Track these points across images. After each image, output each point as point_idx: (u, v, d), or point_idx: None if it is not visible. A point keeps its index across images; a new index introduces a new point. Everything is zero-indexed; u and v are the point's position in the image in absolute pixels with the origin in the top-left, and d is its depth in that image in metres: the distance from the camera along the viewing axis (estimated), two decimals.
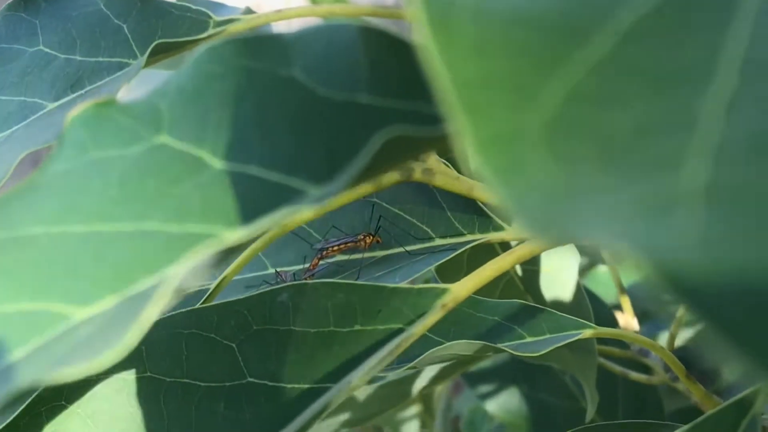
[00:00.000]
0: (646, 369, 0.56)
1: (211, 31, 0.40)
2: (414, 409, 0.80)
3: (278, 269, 0.49)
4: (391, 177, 0.36)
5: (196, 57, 0.24)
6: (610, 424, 0.44)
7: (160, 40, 0.39)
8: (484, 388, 0.65)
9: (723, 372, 0.62)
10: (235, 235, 0.23)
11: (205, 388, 0.35)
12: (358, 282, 0.36)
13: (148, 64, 0.40)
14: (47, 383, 0.19)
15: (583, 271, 0.78)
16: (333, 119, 0.24)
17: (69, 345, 0.21)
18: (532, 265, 0.54)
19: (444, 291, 0.35)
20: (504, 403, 0.64)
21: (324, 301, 0.35)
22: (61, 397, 0.34)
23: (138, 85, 0.45)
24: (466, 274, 0.53)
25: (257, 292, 0.35)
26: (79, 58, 0.42)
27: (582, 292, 0.53)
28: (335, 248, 0.48)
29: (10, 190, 0.24)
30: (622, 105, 0.16)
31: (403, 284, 0.36)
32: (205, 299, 0.41)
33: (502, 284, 0.54)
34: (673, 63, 0.16)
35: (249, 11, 0.59)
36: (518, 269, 0.55)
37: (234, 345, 0.35)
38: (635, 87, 0.16)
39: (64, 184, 0.24)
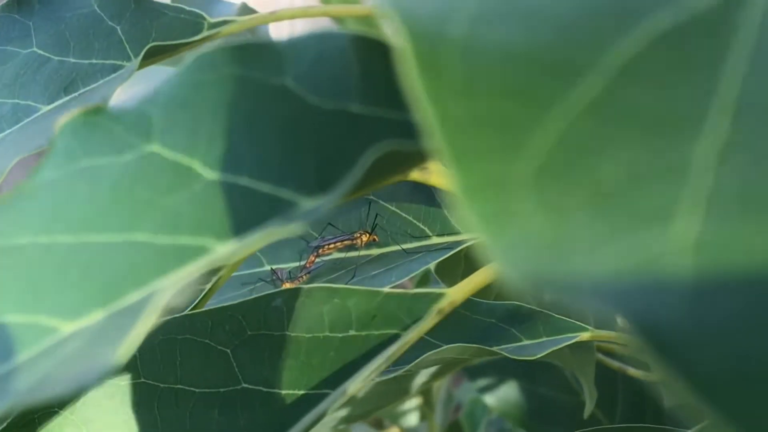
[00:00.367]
0: (645, 365, 0.56)
1: (205, 33, 0.40)
2: (414, 401, 0.80)
3: (274, 266, 0.49)
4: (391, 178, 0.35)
5: (187, 65, 0.24)
6: (607, 428, 0.43)
7: (154, 43, 0.39)
8: (484, 381, 0.65)
9: None
10: (227, 247, 0.22)
11: (199, 394, 0.35)
12: (354, 287, 0.35)
13: (141, 66, 0.39)
14: (35, 401, 0.19)
15: None
16: (324, 129, 0.23)
17: (57, 360, 0.20)
18: None
19: (440, 296, 0.35)
20: (503, 396, 0.64)
21: (319, 306, 0.35)
22: (55, 403, 0.34)
23: (138, 81, 0.45)
24: (464, 272, 0.53)
25: (251, 297, 0.35)
26: (72, 60, 0.42)
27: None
28: (332, 246, 0.48)
29: None
30: (613, 151, 0.15)
31: (399, 289, 0.35)
32: (202, 297, 0.41)
33: (501, 282, 0.54)
34: (665, 107, 0.16)
35: (245, 8, 0.58)
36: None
37: (228, 350, 0.35)
38: (627, 132, 0.15)
39: (53, 193, 0.23)
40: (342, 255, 0.49)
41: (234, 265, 0.40)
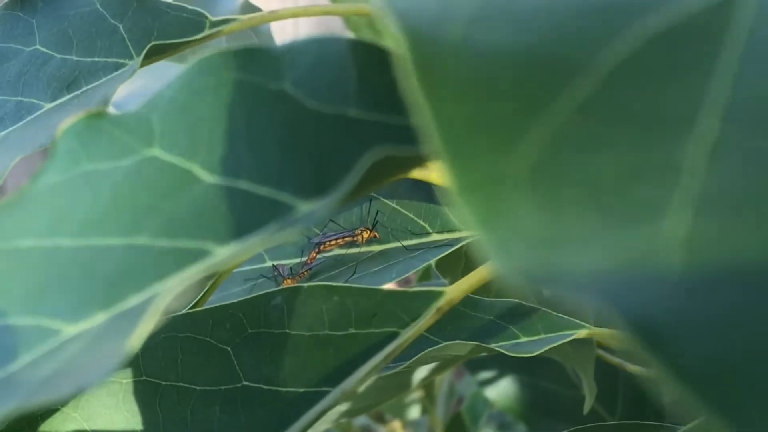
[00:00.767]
0: (646, 362, 0.56)
1: (207, 32, 0.40)
2: (415, 395, 0.80)
3: (276, 262, 0.49)
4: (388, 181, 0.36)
5: (187, 69, 0.24)
6: (603, 425, 0.44)
7: (156, 42, 0.39)
8: (485, 375, 0.66)
9: None
10: (227, 251, 0.23)
11: (200, 391, 0.35)
12: (353, 285, 0.36)
13: (143, 65, 0.40)
14: (36, 403, 0.19)
15: None
16: (322, 133, 0.24)
17: (58, 363, 0.21)
18: None
19: (439, 294, 0.35)
20: (504, 390, 0.65)
21: (319, 305, 0.35)
22: (57, 401, 0.34)
23: (140, 75, 0.45)
24: (464, 268, 0.53)
25: (252, 296, 0.35)
26: (75, 58, 0.42)
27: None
28: (333, 242, 0.48)
29: (1, 201, 0.24)
30: (605, 150, 0.16)
31: (398, 288, 0.36)
32: (205, 292, 0.41)
33: (499, 281, 0.54)
34: (657, 107, 0.16)
35: (247, 5, 0.59)
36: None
37: (229, 348, 0.35)
38: (619, 131, 0.16)
39: (55, 197, 0.24)
40: (343, 251, 0.49)
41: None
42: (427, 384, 0.76)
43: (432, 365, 0.57)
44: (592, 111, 0.16)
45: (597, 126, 0.16)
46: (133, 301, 0.22)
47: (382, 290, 0.35)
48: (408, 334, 0.34)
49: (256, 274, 0.49)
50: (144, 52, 0.39)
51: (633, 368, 0.55)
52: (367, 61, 0.24)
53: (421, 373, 0.59)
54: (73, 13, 0.43)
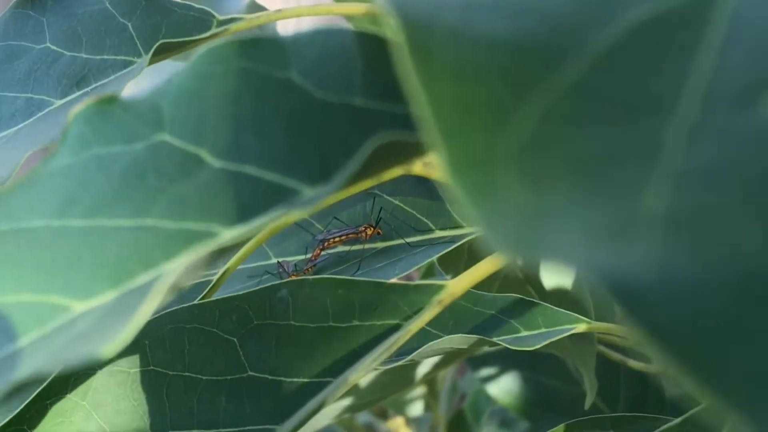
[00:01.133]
0: (647, 357, 0.56)
1: (214, 30, 0.41)
2: (418, 391, 0.81)
3: (280, 259, 0.50)
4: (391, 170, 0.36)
5: (197, 58, 0.25)
6: (603, 417, 0.44)
7: (164, 40, 0.39)
8: (487, 372, 0.66)
9: None
10: (232, 233, 0.23)
11: (206, 381, 0.35)
12: (357, 278, 0.36)
13: (151, 62, 0.40)
14: (49, 373, 0.20)
15: None
16: (327, 121, 0.24)
17: (69, 337, 0.21)
18: None
19: (440, 288, 0.36)
20: (506, 386, 0.65)
21: (323, 297, 0.36)
22: (66, 389, 0.35)
23: (146, 75, 0.45)
24: (466, 264, 0.54)
25: (258, 288, 0.36)
26: (84, 55, 0.43)
27: (582, 282, 0.54)
28: (337, 239, 0.49)
29: (13, 182, 0.25)
30: (591, 130, 0.16)
31: (400, 281, 0.36)
32: (210, 288, 0.41)
33: (502, 274, 0.55)
34: (641, 91, 0.17)
35: (253, 4, 0.59)
36: (518, 259, 0.55)
37: (235, 339, 0.36)
38: (605, 113, 0.16)
39: (66, 179, 0.24)
40: (347, 248, 0.49)
41: (241, 256, 0.41)
42: (430, 381, 0.76)
43: (434, 361, 0.58)
44: (580, 93, 0.17)
45: (583, 107, 0.17)
46: (142, 279, 0.23)
47: (384, 283, 0.36)
48: (410, 326, 0.35)
49: (261, 270, 0.50)
50: (152, 50, 0.39)
51: (634, 364, 0.56)
52: (371, 51, 0.25)
53: (424, 368, 0.59)
54: (83, 11, 0.44)
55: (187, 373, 0.36)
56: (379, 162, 0.23)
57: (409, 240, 0.47)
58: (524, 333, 0.41)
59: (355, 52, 0.25)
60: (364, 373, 0.35)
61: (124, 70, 0.42)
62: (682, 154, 0.16)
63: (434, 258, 0.44)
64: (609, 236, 0.15)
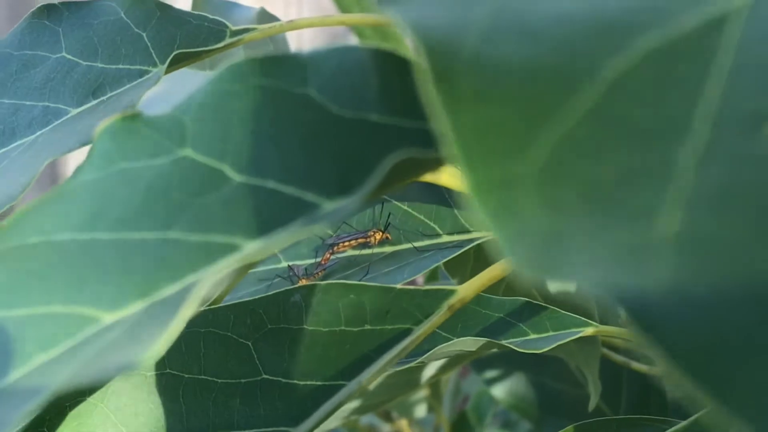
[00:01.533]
0: (650, 359, 0.57)
1: (228, 41, 0.42)
2: (422, 393, 0.81)
3: (291, 263, 0.51)
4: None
5: (218, 75, 0.26)
6: (609, 419, 0.45)
7: (180, 50, 0.40)
8: (491, 374, 0.67)
9: None
10: (255, 245, 0.24)
11: (221, 384, 0.36)
12: (368, 283, 0.37)
13: (167, 72, 0.41)
14: (82, 383, 0.21)
15: None
16: (345, 136, 0.25)
17: (100, 346, 0.22)
18: None
19: (451, 293, 0.36)
20: (509, 388, 0.66)
21: (335, 302, 0.37)
22: (85, 392, 0.36)
23: (162, 81, 0.46)
24: (472, 268, 0.54)
25: (271, 293, 0.37)
26: (100, 65, 0.44)
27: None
28: (346, 244, 0.50)
29: (41, 197, 0.25)
30: (606, 155, 0.17)
31: (411, 286, 0.37)
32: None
33: (508, 278, 0.56)
34: (654, 116, 0.17)
35: (264, 14, 0.60)
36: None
37: (249, 343, 0.37)
38: (619, 138, 0.17)
39: (93, 194, 0.25)
40: (356, 252, 0.50)
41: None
42: (434, 383, 0.77)
43: (440, 363, 0.59)
44: (596, 119, 0.18)
45: (599, 133, 0.18)
46: (169, 290, 0.23)
47: (396, 288, 0.37)
48: (421, 331, 0.36)
49: (271, 274, 0.50)
50: (169, 59, 0.40)
51: (637, 366, 0.57)
52: (386, 68, 0.26)
53: (430, 370, 0.60)
54: (98, 21, 0.45)
55: (202, 376, 0.37)
56: (397, 177, 0.24)
57: (417, 244, 0.48)
58: (532, 336, 0.42)
59: (370, 68, 0.26)
60: (376, 377, 0.36)
61: (140, 79, 0.43)
62: (693, 178, 0.16)
63: (440, 262, 0.45)
64: (624, 258, 0.16)
